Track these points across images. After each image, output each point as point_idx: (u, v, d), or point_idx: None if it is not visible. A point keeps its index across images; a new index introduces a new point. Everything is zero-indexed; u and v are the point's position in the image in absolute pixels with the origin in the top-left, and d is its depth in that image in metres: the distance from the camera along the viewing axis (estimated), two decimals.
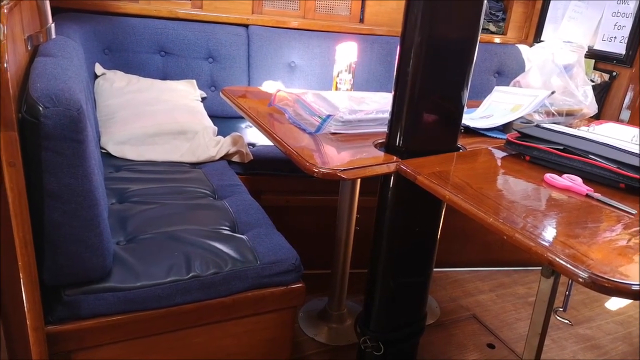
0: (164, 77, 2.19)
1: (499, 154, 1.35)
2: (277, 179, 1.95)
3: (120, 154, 1.79)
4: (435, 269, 1.44)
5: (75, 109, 0.94)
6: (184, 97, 2.08)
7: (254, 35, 2.31)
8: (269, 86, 2.24)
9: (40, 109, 0.90)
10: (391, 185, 1.26)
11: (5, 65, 0.81)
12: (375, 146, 1.35)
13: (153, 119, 1.87)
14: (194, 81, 2.22)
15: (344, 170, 1.18)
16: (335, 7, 2.47)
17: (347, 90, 1.92)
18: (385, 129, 1.33)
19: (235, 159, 1.91)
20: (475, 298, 2.09)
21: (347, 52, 1.92)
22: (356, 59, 1.94)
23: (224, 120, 2.20)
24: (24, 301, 0.95)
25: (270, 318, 1.28)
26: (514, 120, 1.52)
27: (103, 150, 1.78)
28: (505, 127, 1.53)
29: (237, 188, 1.66)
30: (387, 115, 1.32)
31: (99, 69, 2.04)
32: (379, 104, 1.53)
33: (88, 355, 1.11)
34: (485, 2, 1.22)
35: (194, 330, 1.21)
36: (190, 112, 1.99)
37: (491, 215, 0.95)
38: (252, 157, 1.91)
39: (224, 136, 1.93)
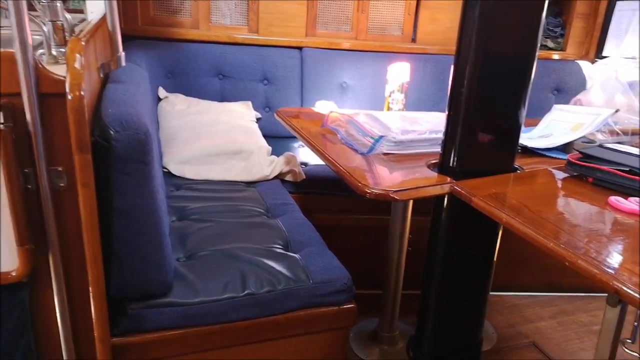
0: (222, 99, 2.28)
1: (559, 175, 1.31)
2: (329, 198, 1.96)
3: (180, 173, 1.87)
4: (491, 293, 1.40)
5: (143, 132, 1.00)
6: (240, 118, 2.16)
7: (307, 57, 2.37)
8: (321, 106, 2.28)
9: (112, 132, 0.97)
10: (445, 207, 1.24)
11: (82, 92, 0.87)
12: (428, 166, 1.34)
13: (211, 139, 1.94)
14: (250, 103, 2.30)
15: (397, 191, 1.18)
16: (387, 27, 2.49)
17: (399, 110, 1.93)
18: (438, 149, 1.32)
19: (288, 178, 1.94)
20: (535, 325, 2.00)
21: (399, 72, 1.93)
22: (408, 78, 1.94)
23: (277, 140, 2.26)
24: (92, 313, 1.01)
25: (321, 338, 1.29)
26: (574, 140, 1.47)
27: (164, 170, 1.87)
28: (565, 147, 1.47)
29: (290, 207, 1.69)
30: (440, 135, 1.31)
31: (162, 92, 2.15)
32: (432, 124, 1.52)
33: None
34: (543, 18, 1.20)
35: (248, 347, 1.23)
36: (246, 132, 2.06)
37: (551, 239, 0.92)
38: (304, 177, 1.94)
39: (278, 156, 1.98)
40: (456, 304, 1.33)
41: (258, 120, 2.29)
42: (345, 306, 1.28)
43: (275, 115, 1.88)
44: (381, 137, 1.40)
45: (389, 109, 1.95)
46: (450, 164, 1.26)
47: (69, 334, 1.03)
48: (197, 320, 1.16)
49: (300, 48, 2.38)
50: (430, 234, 1.32)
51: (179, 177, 1.86)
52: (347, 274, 1.30)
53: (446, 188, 1.21)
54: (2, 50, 0.97)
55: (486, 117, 1.24)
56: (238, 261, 1.30)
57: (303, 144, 1.74)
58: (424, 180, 1.26)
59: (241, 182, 1.88)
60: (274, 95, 2.36)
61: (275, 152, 2.02)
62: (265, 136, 2.12)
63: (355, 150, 1.43)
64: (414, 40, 2.53)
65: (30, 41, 0.83)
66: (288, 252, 1.38)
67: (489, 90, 1.22)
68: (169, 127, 2.01)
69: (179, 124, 2.02)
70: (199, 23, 2.28)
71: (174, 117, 2.06)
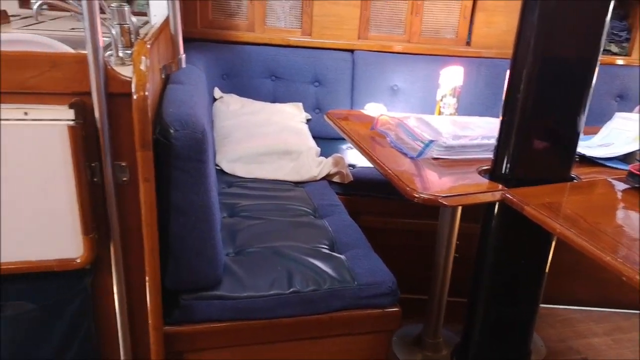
0: (274, 100, 2.33)
1: (619, 186, 1.25)
2: (376, 201, 1.96)
3: (232, 171, 1.93)
4: (542, 305, 1.36)
5: (200, 132, 1.04)
6: (291, 119, 2.20)
7: (358, 59, 2.38)
8: (371, 109, 2.28)
9: (172, 131, 1.02)
10: (495, 214, 1.22)
11: (146, 93, 0.93)
12: (480, 173, 1.32)
13: (263, 139, 1.99)
14: (301, 104, 2.34)
15: (446, 196, 1.17)
16: (441, 30, 2.46)
17: (450, 114, 1.90)
18: (490, 155, 1.29)
19: (336, 179, 1.96)
20: (588, 340, 1.91)
21: (452, 76, 1.90)
22: (461, 82, 1.91)
23: (326, 141, 2.28)
24: (148, 302, 1.07)
25: (365, 339, 1.30)
26: (637, 150, 1.40)
27: (217, 167, 1.93)
28: (626, 158, 1.41)
29: (337, 208, 1.70)
30: (493, 141, 1.28)
31: (217, 92, 2.23)
32: (484, 130, 1.50)
33: (198, 356, 1.21)
34: (607, 21, 1.15)
35: (292, 343, 1.25)
36: (296, 133, 2.09)
37: (608, 253, 0.88)
38: (351, 178, 1.96)
39: (326, 157, 2.00)
40: (504, 314, 1.30)
41: (308, 121, 2.32)
42: (389, 309, 1.28)
43: (325, 117, 1.90)
44: (431, 141, 1.39)
45: (440, 113, 1.93)
46: (503, 171, 1.23)
47: (125, 321, 1.10)
48: (244, 315, 1.20)
49: (352, 51, 2.40)
50: (480, 241, 1.30)
51: (231, 174, 1.92)
52: (392, 278, 1.30)
53: (497, 195, 1.18)
54: (75, 52, 1.04)
55: (542, 123, 1.20)
56: (285, 259, 1.32)
57: (352, 145, 1.76)
58: (475, 186, 1.24)
59: (290, 181, 1.91)
60: (325, 97, 2.39)
61: (324, 153, 2.04)
62: (314, 137, 2.15)
63: (405, 154, 1.43)
64: (468, 43, 2.48)
65: (101, 44, 0.89)
66: (334, 252, 1.40)
67: (547, 95, 1.18)
68: (222, 127, 2.08)
69: (232, 124, 2.08)
70: (254, 26, 2.34)
71: (228, 116, 2.12)
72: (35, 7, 1.19)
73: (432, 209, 1.68)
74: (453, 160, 1.40)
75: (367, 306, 1.27)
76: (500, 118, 1.23)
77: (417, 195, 1.17)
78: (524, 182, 1.20)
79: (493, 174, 1.27)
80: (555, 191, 1.20)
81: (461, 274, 1.63)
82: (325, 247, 1.42)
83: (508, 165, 1.23)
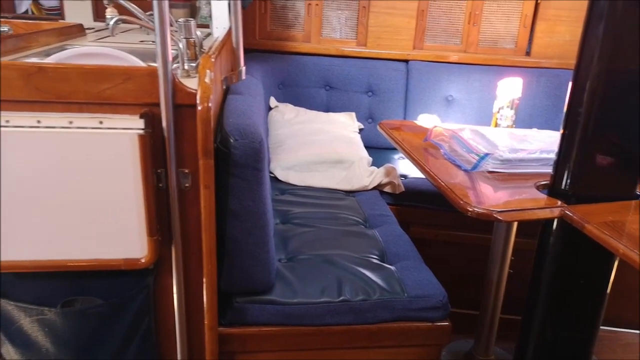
0: (327, 110, 2.37)
1: None
2: (427, 212, 1.95)
3: (285, 178, 1.97)
4: (602, 327, 1.30)
5: (258, 141, 1.09)
6: (343, 128, 2.22)
7: (413, 69, 2.37)
8: (424, 120, 2.26)
9: (231, 140, 1.07)
10: (553, 231, 1.18)
11: (210, 104, 0.98)
12: (537, 188, 1.28)
13: (316, 148, 2.03)
14: (354, 114, 2.36)
15: (501, 211, 1.14)
16: (499, 40, 2.41)
17: (507, 127, 1.86)
18: (549, 170, 1.26)
19: (387, 189, 1.96)
20: None
21: (510, 87, 1.86)
22: (520, 94, 1.86)
23: (378, 151, 2.29)
24: (204, 303, 1.12)
25: (413, 352, 1.29)
26: None
27: (271, 174, 1.98)
28: None
29: (388, 218, 1.70)
30: (552, 155, 1.25)
31: (273, 102, 2.29)
32: (543, 143, 1.45)
33: (249, 358, 1.25)
34: None
35: (340, 352, 1.27)
36: (349, 142, 2.11)
37: None
38: (403, 189, 1.95)
39: (378, 167, 2.00)
40: (561, 336, 1.26)
41: (360, 130, 2.34)
42: (439, 323, 1.27)
43: (378, 127, 1.91)
44: (487, 154, 1.37)
45: (496, 125, 1.89)
46: (562, 187, 1.19)
47: (183, 319, 1.15)
48: (294, 320, 1.22)
49: (406, 61, 2.39)
50: (536, 258, 1.26)
51: (284, 182, 1.96)
52: (443, 291, 1.29)
53: (556, 212, 1.15)
54: (146, 65, 1.11)
55: (606, 137, 1.16)
56: (335, 267, 1.34)
57: (404, 156, 1.75)
58: (532, 202, 1.21)
59: (341, 190, 1.93)
60: (378, 107, 2.40)
61: (376, 163, 2.05)
62: (366, 147, 2.16)
63: (458, 167, 1.42)
64: (528, 53, 2.42)
65: (170, 58, 0.95)
66: (384, 263, 1.40)
67: (612, 108, 1.14)
68: (277, 135, 2.13)
69: (286, 132, 2.13)
70: (310, 37, 2.39)
71: (283, 125, 2.17)
72: (111, 22, 1.28)
73: (485, 222, 1.64)
74: (509, 174, 1.37)
75: (416, 319, 1.26)
76: (561, 131, 1.20)
77: (470, 209, 1.15)
78: (585, 199, 1.16)
79: (552, 189, 1.23)
80: (619, 209, 1.15)
81: (515, 290, 1.58)
82: (375, 257, 1.43)
83: (568, 180, 1.19)
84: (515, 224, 1.58)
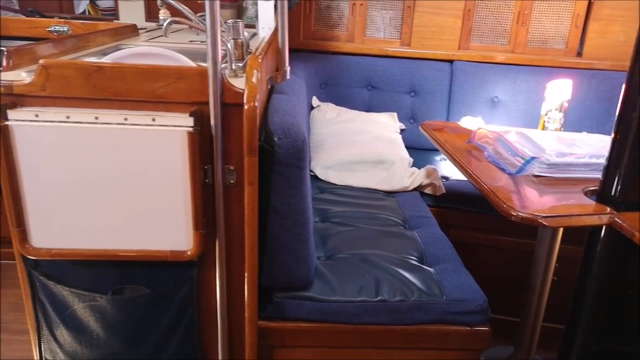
0: (368, 110, 2.37)
1: None
2: (468, 215, 1.92)
3: (325, 177, 1.99)
4: None
5: (301, 140, 1.11)
6: (384, 128, 2.22)
7: (457, 70, 2.34)
8: (467, 122, 2.23)
9: (275, 139, 1.09)
10: (601, 239, 1.15)
11: (256, 103, 1.00)
12: (585, 194, 1.25)
13: (356, 147, 2.03)
14: (395, 114, 2.35)
15: (546, 216, 1.12)
16: (549, 40, 2.34)
17: (555, 130, 1.81)
18: (598, 175, 1.22)
19: (428, 190, 1.95)
20: None
21: (559, 89, 1.81)
22: (570, 96, 1.81)
23: (420, 152, 2.27)
24: (245, 297, 1.15)
25: (451, 355, 1.28)
26: None
27: (311, 173, 2.01)
28: None
29: (428, 220, 1.69)
30: (602, 160, 1.21)
31: (315, 101, 2.31)
32: (593, 148, 1.41)
33: (286, 353, 1.27)
34: None
35: (377, 351, 1.27)
36: (389, 143, 2.11)
37: None
38: (444, 191, 1.93)
39: (419, 168, 1.99)
40: (606, 348, 1.22)
41: (402, 131, 2.33)
42: (478, 328, 1.25)
43: (420, 128, 1.89)
44: (533, 158, 1.34)
45: (544, 128, 1.84)
46: (612, 193, 1.15)
47: (224, 311, 1.19)
48: (332, 317, 1.24)
49: (451, 61, 2.36)
50: (582, 266, 1.22)
51: (324, 180, 1.98)
52: (483, 296, 1.27)
53: (605, 219, 1.11)
54: (196, 65, 1.15)
55: None
56: (373, 267, 1.35)
57: (446, 157, 1.73)
58: (579, 207, 1.18)
59: (381, 191, 1.93)
60: (420, 108, 2.38)
61: (417, 164, 2.04)
62: (407, 147, 2.15)
63: (503, 170, 1.39)
64: (579, 54, 2.33)
65: (220, 58, 0.98)
66: (423, 265, 1.40)
67: None
68: (318, 134, 2.15)
69: (327, 131, 2.15)
70: (354, 37, 2.40)
71: (324, 124, 2.19)
72: (165, 24, 1.34)
73: (529, 227, 1.60)
74: (556, 178, 1.34)
75: (454, 322, 1.25)
76: (613, 135, 1.16)
77: (514, 213, 1.13)
78: (635, 206, 1.12)
79: (601, 195, 1.19)
80: None
81: (559, 298, 1.54)
82: (414, 258, 1.42)
83: (618, 187, 1.14)
84: (560, 230, 1.53)
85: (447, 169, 2.12)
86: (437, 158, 2.27)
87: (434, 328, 1.25)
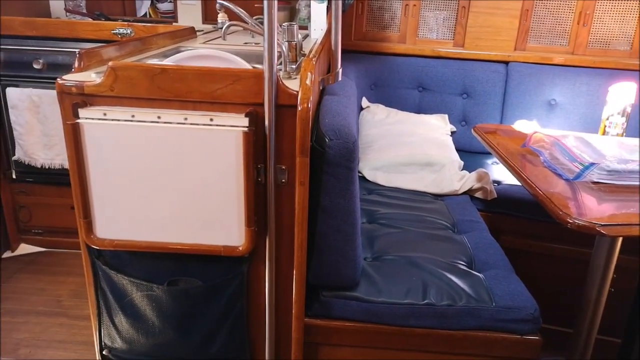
0: (419, 111, 2.35)
1: None
2: (520, 221, 1.86)
3: (373, 178, 1.99)
4: None
5: (352, 142, 1.12)
6: (434, 130, 2.19)
7: (513, 72, 2.28)
8: (521, 125, 2.16)
9: (327, 140, 1.11)
10: None
11: (309, 105, 1.03)
12: None
13: (405, 149, 2.02)
14: (446, 116, 2.31)
15: (605, 225, 1.08)
16: (612, 41, 2.24)
17: (617, 135, 1.72)
18: None
19: (479, 195, 1.91)
20: None
21: (622, 93, 1.72)
22: (634, 100, 1.72)
23: (471, 155, 2.23)
24: (293, 294, 1.18)
25: None
26: None
27: (359, 174, 2.02)
28: None
29: (478, 225, 1.66)
30: None
31: (365, 102, 2.32)
32: None
33: (331, 351, 1.29)
34: None
35: (422, 354, 1.27)
36: (439, 145, 2.08)
37: None
38: (495, 195, 1.88)
39: (469, 171, 1.95)
40: None
41: (453, 133, 2.29)
42: (528, 337, 1.22)
43: (472, 130, 1.86)
44: (592, 164, 1.29)
45: (604, 133, 1.76)
46: None
47: (272, 307, 1.22)
48: (378, 319, 1.25)
49: (506, 62, 2.30)
50: None
51: (372, 182, 1.98)
52: (535, 304, 1.24)
53: None
54: (252, 67, 1.19)
55: None
56: (421, 270, 1.34)
57: (498, 161, 1.70)
58: None
59: (430, 193, 1.91)
60: (472, 110, 2.33)
61: (468, 167, 2.00)
62: (458, 150, 2.11)
63: (559, 175, 1.35)
64: None
65: (276, 61, 1.01)
66: (472, 270, 1.38)
67: None
68: (367, 135, 2.16)
69: (376, 132, 2.15)
70: (405, 37, 2.38)
71: (373, 125, 2.19)
72: (224, 27, 1.39)
73: (585, 236, 1.54)
74: (616, 185, 1.28)
75: (504, 330, 1.23)
76: None
77: (571, 221, 1.10)
78: None
79: None
80: None
81: (616, 311, 1.48)
82: (463, 263, 1.40)
83: None
84: (619, 240, 1.47)
85: (499, 173, 2.07)
86: (489, 162, 2.22)
87: (481, 335, 1.23)
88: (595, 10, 2.20)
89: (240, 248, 1.12)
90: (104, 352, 1.29)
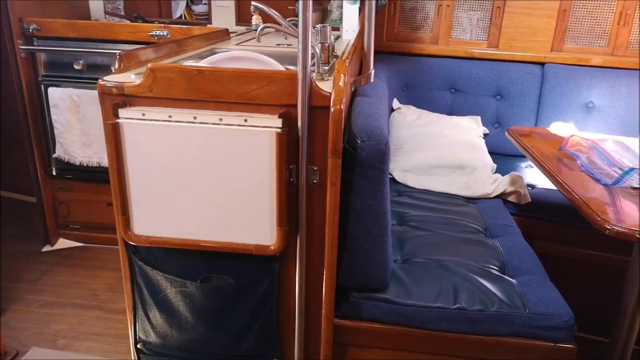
0: (450, 113, 2.32)
1: None
2: (555, 226, 1.82)
3: (403, 180, 1.98)
4: None
5: (384, 143, 1.12)
6: (466, 132, 2.17)
7: (549, 73, 2.23)
8: (557, 128, 2.11)
9: (359, 141, 1.11)
10: None
11: (342, 107, 1.03)
12: None
13: (436, 151, 2.00)
14: (479, 118, 2.28)
15: None
16: None
17: None
18: None
19: (512, 198, 1.87)
20: None
21: None
22: None
23: (504, 157, 2.19)
24: (323, 294, 1.18)
25: None
26: None
27: (389, 176, 2.01)
28: None
29: (511, 229, 1.63)
30: None
31: (396, 103, 2.31)
32: None
33: (360, 352, 1.29)
34: None
35: (451, 359, 1.25)
36: (471, 147, 2.05)
37: None
38: (529, 199, 1.85)
39: (503, 174, 1.92)
40: None
41: (485, 135, 2.26)
42: (563, 345, 1.19)
43: (506, 133, 1.83)
44: (632, 169, 1.25)
45: None
46: None
47: (302, 306, 1.23)
48: (407, 321, 1.24)
49: (542, 64, 2.25)
50: None
51: (402, 183, 1.97)
52: (569, 312, 1.21)
53: None
54: (286, 69, 1.20)
55: None
56: (451, 274, 1.33)
57: (532, 165, 1.66)
58: None
59: (461, 196, 1.89)
60: (506, 112, 2.29)
61: (501, 170, 1.97)
62: (491, 153, 2.08)
63: (597, 180, 1.31)
64: None
65: (310, 63, 1.02)
66: (504, 275, 1.35)
67: None
68: (397, 136, 2.15)
69: (407, 134, 2.14)
70: (438, 38, 2.36)
71: (404, 127, 2.18)
72: (258, 30, 1.41)
73: (623, 243, 1.50)
74: None
75: (537, 337, 1.20)
76: None
77: (609, 227, 1.07)
78: None
79: None
80: None
81: None
82: (495, 268, 1.38)
83: None
84: None
85: (533, 177, 2.02)
86: (523, 165, 2.17)
87: (514, 341, 1.21)
88: (637, 10, 2.13)
89: (272, 247, 1.14)
90: (138, 346, 1.32)
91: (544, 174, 1.45)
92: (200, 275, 1.21)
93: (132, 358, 1.34)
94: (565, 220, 1.78)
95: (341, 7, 2.13)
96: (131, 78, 1.11)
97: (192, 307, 1.23)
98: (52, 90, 2.16)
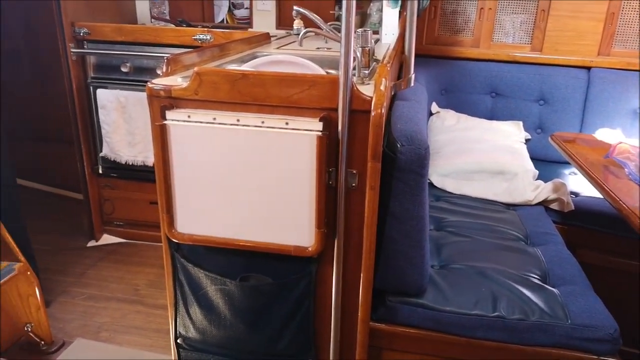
0: (491, 117, 2.28)
1: None
2: (599, 235, 1.77)
3: (441, 185, 1.96)
4: None
5: (424, 148, 1.12)
6: (507, 137, 2.12)
7: (596, 78, 2.16)
8: (604, 134, 2.04)
9: (398, 146, 1.11)
10: None
11: (382, 111, 1.03)
12: None
13: (475, 156, 1.98)
14: (521, 123, 2.23)
15: None
16: None
17: None
18: None
19: (554, 206, 1.83)
20: None
21: None
22: None
23: (546, 164, 2.14)
24: (360, 297, 1.19)
25: None
26: None
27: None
28: None
29: (553, 237, 1.59)
30: None
31: (434, 107, 2.29)
32: None
33: (395, 356, 1.29)
34: None
35: None
36: (512, 153, 2.01)
37: None
38: (572, 207, 1.80)
39: (545, 181, 1.87)
40: None
41: (527, 141, 2.21)
42: (606, 358, 1.16)
43: (549, 139, 1.79)
44: None
45: None
46: None
47: (338, 308, 1.23)
48: (444, 328, 1.23)
49: (588, 68, 2.19)
50: None
51: (440, 188, 1.96)
52: (614, 324, 1.17)
53: None
54: (327, 73, 1.22)
55: None
56: (491, 282, 1.31)
57: (577, 172, 1.62)
58: None
59: (501, 202, 1.86)
60: (549, 117, 2.23)
61: (543, 176, 1.92)
62: (533, 159, 2.03)
63: None
64: None
65: (351, 67, 1.03)
66: (545, 284, 1.32)
67: None
68: (436, 141, 2.13)
69: (445, 138, 2.11)
70: (479, 42, 2.32)
71: (443, 131, 2.16)
72: (300, 34, 1.43)
73: None
74: None
75: (579, 349, 1.17)
76: None
77: None
78: None
79: None
80: None
81: None
82: (536, 277, 1.35)
83: None
84: None
85: (577, 184, 1.96)
86: (566, 172, 2.11)
87: (555, 352, 1.18)
88: None
89: (310, 249, 1.15)
90: (178, 341, 1.36)
91: (589, 181, 1.41)
92: (239, 274, 1.24)
93: (172, 352, 1.38)
94: (611, 230, 1.72)
95: (381, 10, 2.13)
96: (178, 81, 1.15)
97: (230, 305, 1.26)
98: (100, 92, 2.26)
